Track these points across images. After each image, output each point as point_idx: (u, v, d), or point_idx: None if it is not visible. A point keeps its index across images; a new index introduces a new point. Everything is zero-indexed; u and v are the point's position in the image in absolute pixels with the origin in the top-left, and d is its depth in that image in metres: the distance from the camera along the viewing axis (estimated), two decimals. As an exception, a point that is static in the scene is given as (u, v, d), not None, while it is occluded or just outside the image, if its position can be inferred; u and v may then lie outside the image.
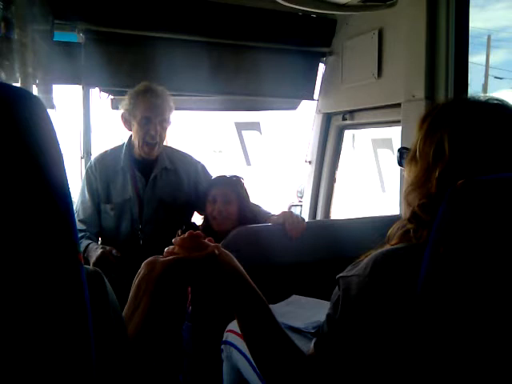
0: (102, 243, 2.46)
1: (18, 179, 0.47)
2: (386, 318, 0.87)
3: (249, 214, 2.31)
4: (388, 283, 0.88)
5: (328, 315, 0.96)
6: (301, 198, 3.89)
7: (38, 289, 0.48)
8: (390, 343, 0.86)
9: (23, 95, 0.49)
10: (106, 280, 0.65)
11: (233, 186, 2.37)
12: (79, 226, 2.42)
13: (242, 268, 1.02)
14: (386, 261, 0.91)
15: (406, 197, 1.00)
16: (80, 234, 2.36)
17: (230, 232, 2.02)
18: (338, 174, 3.58)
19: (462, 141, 0.92)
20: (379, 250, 0.94)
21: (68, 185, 0.51)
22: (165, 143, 2.56)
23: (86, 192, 2.44)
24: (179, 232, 2.09)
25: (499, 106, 0.96)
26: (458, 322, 0.77)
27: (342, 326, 0.92)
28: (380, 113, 2.92)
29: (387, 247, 0.96)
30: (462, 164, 0.90)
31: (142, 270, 0.93)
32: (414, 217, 0.95)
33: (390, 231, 1.02)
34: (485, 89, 19.09)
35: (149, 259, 0.95)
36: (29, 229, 0.48)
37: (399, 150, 1.14)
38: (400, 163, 1.13)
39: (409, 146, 1.05)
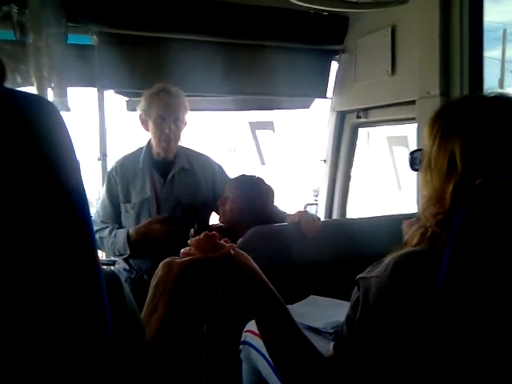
0: None
1: (34, 186, 0.47)
2: (405, 321, 0.86)
3: (244, 215, 2.19)
4: (408, 285, 0.87)
5: (347, 317, 0.96)
6: (316, 196, 3.87)
7: (56, 293, 0.48)
8: (410, 346, 0.85)
9: (37, 101, 0.50)
10: (123, 281, 0.65)
11: (234, 183, 2.33)
12: (101, 225, 2.48)
13: (258, 268, 1.01)
14: (407, 263, 0.90)
15: (423, 212, 0.98)
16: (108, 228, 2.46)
17: (245, 231, 2.01)
18: (354, 172, 3.56)
19: (474, 153, 0.90)
20: (400, 252, 0.93)
21: (84, 190, 0.51)
22: (179, 143, 2.58)
23: (107, 195, 2.50)
24: (192, 231, 2.09)
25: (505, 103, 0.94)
26: (478, 324, 0.76)
27: (361, 329, 0.91)
28: (394, 110, 2.89)
29: (408, 249, 0.95)
30: (474, 178, 0.87)
31: (159, 272, 0.94)
32: (432, 236, 0.93)
33: (408, 234, 1.00)
34: (501, 83, 18.88)
35: (166, 260, 0.95)
36: (46, 234, 0.48)
37: (411, 153, 1.11)
38: (412, 167, 1.11)
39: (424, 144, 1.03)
